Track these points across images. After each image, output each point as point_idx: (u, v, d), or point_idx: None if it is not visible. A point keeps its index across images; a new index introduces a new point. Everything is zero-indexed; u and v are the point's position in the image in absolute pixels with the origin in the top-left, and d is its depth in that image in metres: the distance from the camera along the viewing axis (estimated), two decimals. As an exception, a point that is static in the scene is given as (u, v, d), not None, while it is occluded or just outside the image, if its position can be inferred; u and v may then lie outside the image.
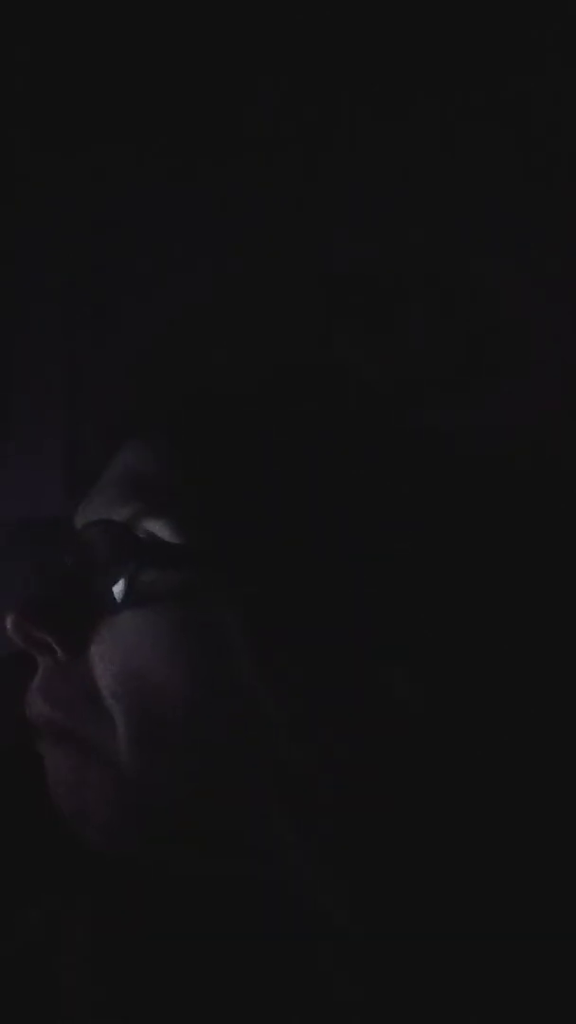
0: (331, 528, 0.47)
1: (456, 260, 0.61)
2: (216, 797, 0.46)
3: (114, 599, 0.47)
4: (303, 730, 0.44)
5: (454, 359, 0.59)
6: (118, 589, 0.47)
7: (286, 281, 0.60)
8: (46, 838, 0.49)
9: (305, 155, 0.61)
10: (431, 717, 0.45)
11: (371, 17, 0.59)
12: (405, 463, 0.51)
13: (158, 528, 0.47)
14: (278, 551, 0.47)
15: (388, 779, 0.44)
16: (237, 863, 0.46)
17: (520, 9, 0.58)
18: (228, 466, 0.49)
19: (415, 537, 0.48)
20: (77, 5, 0.60)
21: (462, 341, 0.60)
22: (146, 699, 0.46)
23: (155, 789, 0.46)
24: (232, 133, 0.61)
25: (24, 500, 0.65)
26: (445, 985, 0.44)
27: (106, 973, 0.47)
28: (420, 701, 0.45)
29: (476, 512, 0.51)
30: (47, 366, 0.64)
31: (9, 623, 0.48)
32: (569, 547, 0.53)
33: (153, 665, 0.46)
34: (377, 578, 0.46)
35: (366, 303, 0.60)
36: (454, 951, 0.44)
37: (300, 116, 0.61)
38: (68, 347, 0.64)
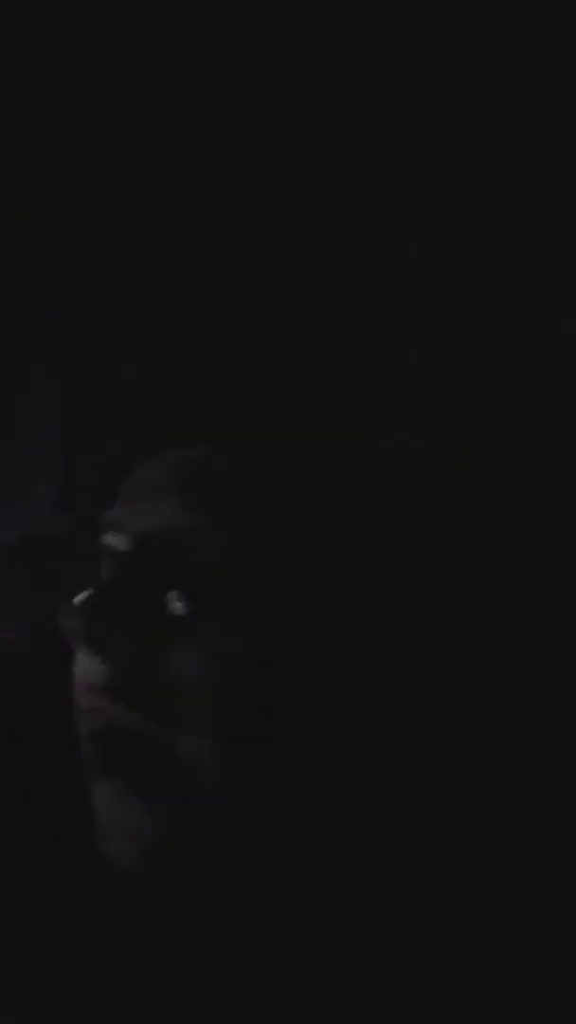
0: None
1: (455, 280, 0.61)
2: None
3: (184, 602, 0.48)
4: None
5: (452, 379, 0.59)
6: (186, 595, 0.47)
7: (283, 301, 0.60)
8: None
9: (305, 173, 0.61)
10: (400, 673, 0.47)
11: (377, 27, 0.59)
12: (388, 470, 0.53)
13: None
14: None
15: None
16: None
17: (523, 30, 0.58)
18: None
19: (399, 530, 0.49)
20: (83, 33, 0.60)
21: (460, 361, 0.60)
22: (230, 702, 0.47)
23: (223, 789, 0.46)
24: (231, 150, 0.61)
25: (19, 520, 0.65)
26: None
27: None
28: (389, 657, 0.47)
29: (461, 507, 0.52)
30: (44, 386, 0.64)
31: (77, 623, 0.47)
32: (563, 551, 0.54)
33: (237, 670, 0.47)
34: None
35: (364, 324, 0.60)
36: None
37: (301, 132, 0.61)
38: (65, 368, 0.64)
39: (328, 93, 0.62)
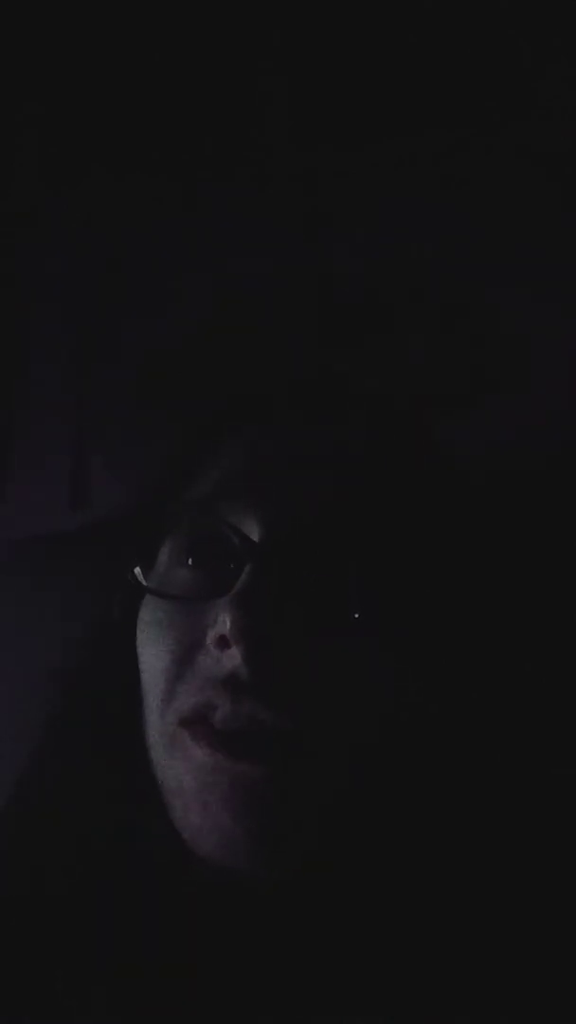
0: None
1: (455, 274, 0.61)
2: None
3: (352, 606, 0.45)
4: None
5: (454, 374, 0.60)
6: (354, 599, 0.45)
7: (285, 297, 0.60)
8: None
9: (305, 169, 0.61)
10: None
11: (377, 27, 0.59)
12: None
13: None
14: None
15: None
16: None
17: (523, 30, 0.58)
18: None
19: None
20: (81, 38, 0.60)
21: (462, 356, 0.60)
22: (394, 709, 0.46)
23: (350, 794, 0.46)
24: (232, 148, 0.61)
25: (29, 516, 0.65)
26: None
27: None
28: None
29: (476, 517, 0.52)
30: (53, 378, 0.64)
31: (247, 615, 0.43)
32: (565, 551, 0.54)
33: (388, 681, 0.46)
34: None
35: (365, 318, 0.60)
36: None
37: (300, 130, 0.61)
38: (74, 362, 0.64)
39: (328, 93, 0.62)
